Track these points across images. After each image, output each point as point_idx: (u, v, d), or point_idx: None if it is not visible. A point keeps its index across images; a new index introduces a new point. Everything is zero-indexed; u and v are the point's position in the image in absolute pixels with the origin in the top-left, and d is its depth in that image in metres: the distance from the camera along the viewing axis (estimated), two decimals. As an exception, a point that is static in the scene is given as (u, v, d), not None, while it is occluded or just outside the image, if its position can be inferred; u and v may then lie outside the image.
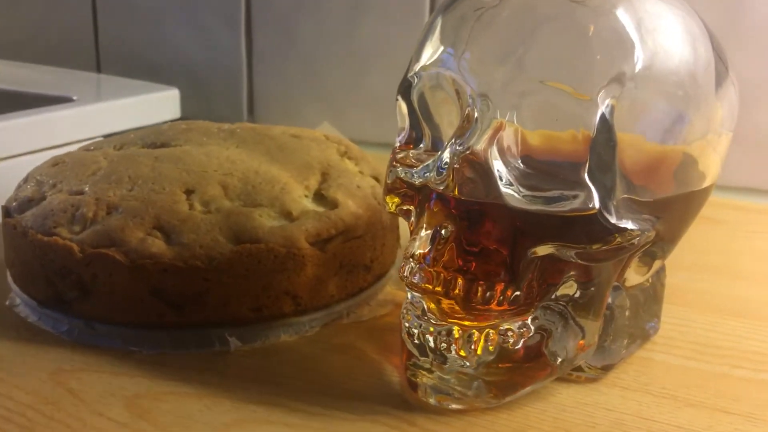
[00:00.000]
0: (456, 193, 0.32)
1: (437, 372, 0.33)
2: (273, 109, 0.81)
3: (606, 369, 0.36)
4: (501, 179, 0.31)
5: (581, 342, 0.34)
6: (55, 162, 0.44)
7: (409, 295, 0.34)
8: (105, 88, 0.79)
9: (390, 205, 0.37)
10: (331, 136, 0.48)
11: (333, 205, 0.40)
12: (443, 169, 0.32)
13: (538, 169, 0.32)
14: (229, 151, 0.43)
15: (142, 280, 0.37)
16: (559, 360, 0.33)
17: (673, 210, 0.34)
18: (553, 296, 0.33)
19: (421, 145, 0.36)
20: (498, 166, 0.31)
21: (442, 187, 0.32)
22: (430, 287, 0.32)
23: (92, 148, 0.46)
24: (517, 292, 0.32)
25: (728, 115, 0.35)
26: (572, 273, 0.32)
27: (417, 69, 0.35)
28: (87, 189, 0.40)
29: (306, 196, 0.41)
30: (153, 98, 0.74)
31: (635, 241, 0.32)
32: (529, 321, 0.33)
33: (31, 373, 0.36)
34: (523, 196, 0.31)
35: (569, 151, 0.32)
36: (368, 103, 0.76)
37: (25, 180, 0.44)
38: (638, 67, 0.30)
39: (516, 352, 0.33)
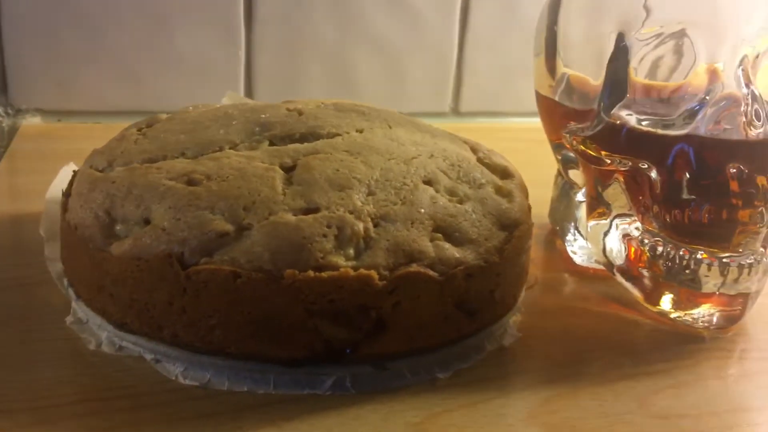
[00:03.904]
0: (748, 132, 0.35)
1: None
2: (36, 83, 0.63)
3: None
4: None
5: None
6: (188, 181, 0.32)
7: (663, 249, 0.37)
8: None
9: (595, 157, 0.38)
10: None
11: (504, 173, 0.39)
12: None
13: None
14: (393, 131, 0.37)
15: (451, 293, 0.31)
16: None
17: None
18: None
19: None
20: None
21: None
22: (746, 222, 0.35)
23: (175, 155, 0.34)
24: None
25: None
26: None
27: (635, 34, 0.36)
28: (319, 203, 0.31)
29: (481, 168, 0.38)
30: None
31: None
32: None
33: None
34: None
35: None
36: (174, 66, 0.66)
37: (122, 217, 0.31)
38: None
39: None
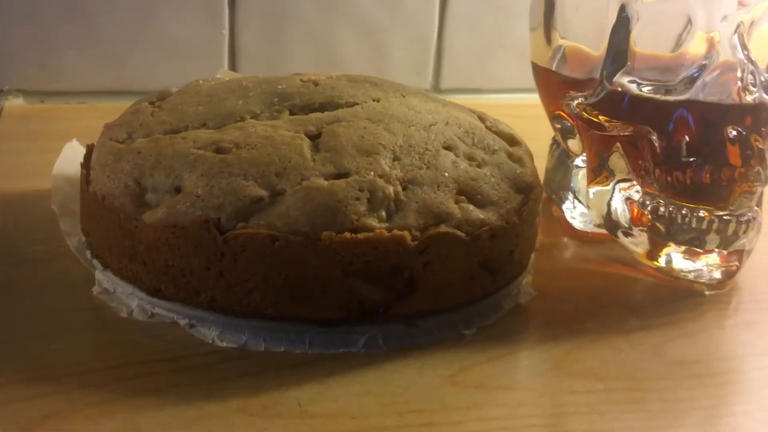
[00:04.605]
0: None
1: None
2: (18, 64, 0.63)
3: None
4: None
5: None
6: (217, 149, 0.32)
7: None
8: None
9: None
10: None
11: (512, 140, 0.40)
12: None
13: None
14: (407, 100, 0.38)
15: (476, 253, 0.33)
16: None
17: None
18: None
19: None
20: None
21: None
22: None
23: (203, 125, 0.34)
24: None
25: None
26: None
27: (636, 5, 0.38)
28: (349, 168, 0.32)
29: (490, 137, 0.39)
30: None
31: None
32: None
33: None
34: None
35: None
36: (157, 46, 0.65)
37: (151, 186, 0.32)
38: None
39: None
